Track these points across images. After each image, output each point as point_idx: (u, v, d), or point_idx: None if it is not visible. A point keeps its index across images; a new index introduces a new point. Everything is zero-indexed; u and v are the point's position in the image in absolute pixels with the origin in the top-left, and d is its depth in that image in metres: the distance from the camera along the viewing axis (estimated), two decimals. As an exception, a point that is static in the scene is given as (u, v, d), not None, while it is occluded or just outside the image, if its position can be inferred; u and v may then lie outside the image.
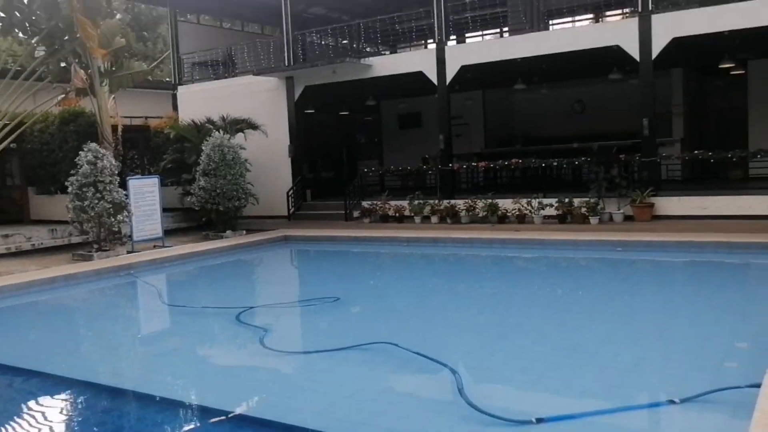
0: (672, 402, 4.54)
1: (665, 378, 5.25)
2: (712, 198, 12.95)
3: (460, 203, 14.82)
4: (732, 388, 4.61)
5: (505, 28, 17.65)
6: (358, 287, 10.04)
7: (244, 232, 15.20)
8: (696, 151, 14.25)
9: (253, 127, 16.97)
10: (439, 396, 5.08)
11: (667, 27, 12.89)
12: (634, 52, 13.31)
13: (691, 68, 18.05)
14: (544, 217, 13.73)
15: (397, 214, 15.58)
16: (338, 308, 8.18)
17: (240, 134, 16.95)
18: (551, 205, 13.65)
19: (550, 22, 16.62)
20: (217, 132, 15.30)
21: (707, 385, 4.63)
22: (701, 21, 12.63)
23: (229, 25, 23.64)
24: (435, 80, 15.73)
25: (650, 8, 13.23)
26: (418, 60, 16.34)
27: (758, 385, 4.26)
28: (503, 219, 14.11)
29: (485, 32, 18.66)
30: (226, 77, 19.75)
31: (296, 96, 17.94)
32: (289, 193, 17.85)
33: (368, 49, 20.35)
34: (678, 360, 5.71)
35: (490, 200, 14.39)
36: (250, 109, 17.53)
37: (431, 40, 17.45)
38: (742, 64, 16.63)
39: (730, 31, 12.57)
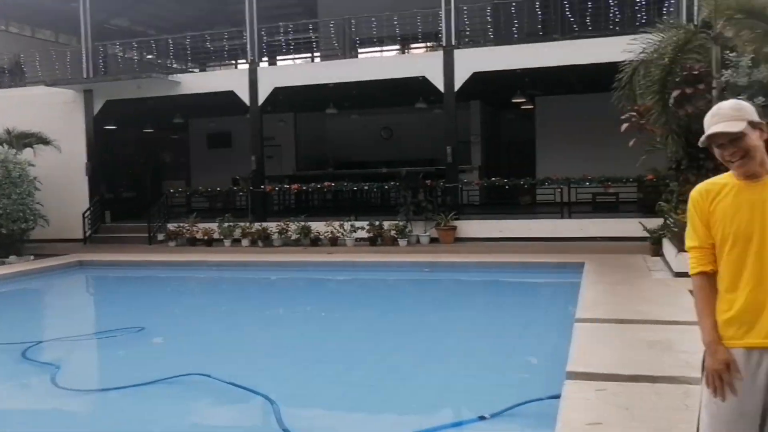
0: (483, 418, 4.73)
1: (476, 394, 5.48)
2: (506, 221, 13.99)
3: (272, 226, 14.62)
4: (536, 400, 4.90)
5: (317, 54, 17.87)
6: (165, 315, 9.44)
7: (32, 257, 13.74)
8: (493, 178, 15.36)
9: (44, 141, 15.46)
10: (257, 427, 4.86)
11: (468, 62, 13.81)
12: (438, 83, 14.09)
13: (488, 101, 19.51)
14: (356, 239, 13.97)
15: (205, 237, 14.99)
16: (143, 338, 7.61)
17: (29, 149, 15.35)
18: (363, 228, 13.93)
19: (360, 50, 17.11)
20: (0, 146, 13.73)
21: (513, 399, 4.89)
22: (497, 59, 13.70)
23: (17, 30, 21.48)
24: (247, 100, 15.46)
25: (453, 43, 14.10)
26: (230, 79, 15.98)
27: (558, 396, 4.57)
28: (316, 242, 14.14)
29: (297, 56, 18.76)
30: (12, 86, 17.88)
31: (96, 110, 16.68)
32: (86, 215, 16.47)
33: (176, 66, 19.55)
34: (486, 376, 6.00)
35: (302, 223, 14.35)
36: (42, 122, 15.98)
37: (243, 60, 17.18)
38: (531, 99, 18.29)
39: (522, 70, 13.77)
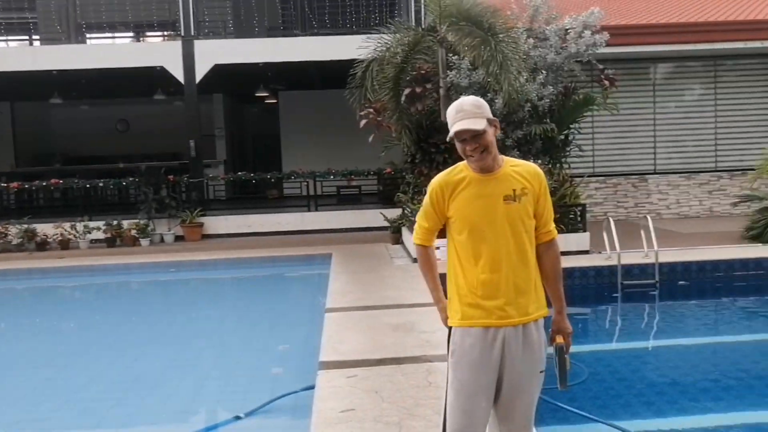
0: (238, 417, 4.63)
1: (230, 395, 5.35)
2: (254, 216, 13.89)
3: (-12, 230, 12.83)
4: (290, 393, 4.92)
5: (36, 37, 16.03)
6: None
7: None
8: (239, 173, 15.14)
9: None
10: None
11: (209, 53, 13.40)
12: (178, 74, 13.47)
13: (232, 94, 19.17)
14: (92, 241, 12.85)
15: None
16: None
17: None
18: (99, 229, 12.84)
19: (88, 35, 15.70)
20: None
21: (268, 395, 4.86)
22: (239, 52, 13.48)
23: None
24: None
25: (192, 34, 13.59)
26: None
27: (312, 387, 4.63)
28: (43, 246, 12.71)
29: (11, 38, 16.64)
30: None
31: None
32: None
33: None
34: (240, 375, 5.89)
35: (26, 225, 12.81)
36: None
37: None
38: (275, 93, 18.37)
39: (264, 64, 13.74)
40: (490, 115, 2.62)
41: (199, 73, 13.39)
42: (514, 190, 2.60)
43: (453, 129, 2.57)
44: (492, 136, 2.58)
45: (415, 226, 2.86)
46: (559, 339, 2.79)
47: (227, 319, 8.38)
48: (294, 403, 4.79)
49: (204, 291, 10.62)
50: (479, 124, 2.53)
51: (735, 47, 12.93)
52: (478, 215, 2.60)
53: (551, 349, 2.77)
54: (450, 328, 2.70)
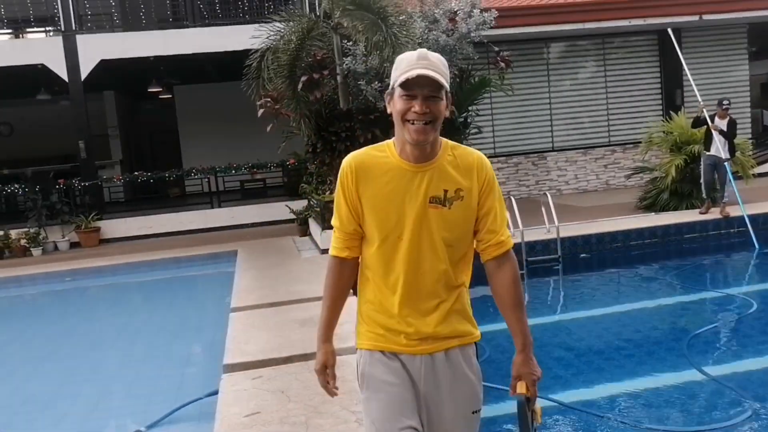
0: (139, 432, 4.38)
1: (132, 407, 5.07)
2: (155, 217, 13.36)
3: None
4: (194, 401, 4.71)
5: None
6: None
7: None
8: (136, 172, 14.50)
9: None
10: None
11: (95, 49, 12.70)
12: (62, 72, 12.72)
13: (123, 91, 18.31)
14: (-23, 255, 11.98)
15: None
16: None
17: None
18: (-16, 241, 11.99)
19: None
20: None
21: (171, 405, 4.63)
22: (127, 46, 12.84)
23: None
24: None
25: (74, 28, 12.84)
26: None
27: (216, 393, 4.44)
28: None
29: None
30: None
31: None
32: None
33: None
34: (142, 385, 5.60)
35: None
36: None
37: None
38: (170, 88, 17.67)
39: (155, 57, 13.15)
40: (447, 86, 2.00)
41: (85, 70, 12.68)
42: (446, 192, 2.02)
43: (408, 74, 1.93)
44: (444, 110, 1.99)
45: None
46: (521, 388, 2.12)
47: (128, 326, 7.98)
48: (198, 411, 4.58)
49: (103, 299, 10.10)
50: (443, 80, 1.95)
51: (620, 25, 13.42)
52: (393, 217, 2.03)
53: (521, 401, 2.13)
54: (358, 353, 2.18)
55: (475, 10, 10.06)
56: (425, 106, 1.93)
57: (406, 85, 1.93)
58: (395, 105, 1.98)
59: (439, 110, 1.95)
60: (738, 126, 10.19)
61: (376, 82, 9.23)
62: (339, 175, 2.10)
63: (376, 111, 9.30)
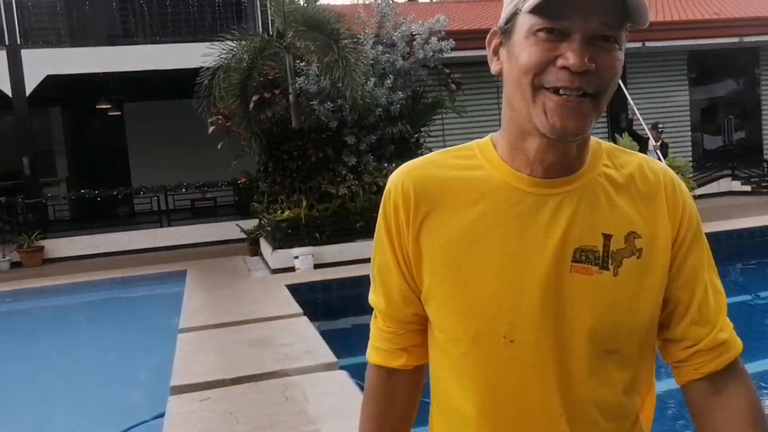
0: (81, 458, 4.26)
1: (76, 431, 4.93)
2: (102, 236, 13.07)
3: None
4: (140, 423, 4.61)
5: None
6: None
7: None
8: (83, 190, 14.17)
9: None
10: None
11: (41, 64, 12.44)
12: (5, 87, 12.40)
13: (71, 107, 17.94)
14: None
15: None
16: None
17: None
18: None
19: None
20: None
21: (118, 427, 4.52)
22: (75, 61, 12.61)
23: None
24: None
25: (20, 43, 12.55)
26: None
27: (162, 415, 4.35)
28: None
29: None
30: None
31: None
32: None
33: None
34: (88, 408, 5.45)
35: None
36: None
37: None
38: (119, 105, 17.39)
39: (104, 74, 12.95)
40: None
41: (30, 85, 12.40)
42: (607, 239, 1.02)
43: None
44: (618, 73, 0.97)
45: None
46: None
47: (72, 349, 7.76)
48: (145, 434, 4.48)
49: (45, 321, 9.79)
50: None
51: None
52: (494, 291, 1.02)
53: None
54: None
55: (433, 38, 10.25)
56: (589, 55, 0.92)
57: (548, 6, 0.92)
58: (516, 55, 0.97)
59: (614, 68, 0.95)
60: (679, 149, 10.60)
61: (329, 103, 9.28)
62: (381, 207, 1.12)
63: (328, 130, 9.35)
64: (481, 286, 1.02)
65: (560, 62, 0.93)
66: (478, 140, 1.12)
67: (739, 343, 1.09)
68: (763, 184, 14.46)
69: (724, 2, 17.72)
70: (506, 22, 1.01)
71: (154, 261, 11.65)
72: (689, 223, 1.06)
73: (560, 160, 1.02)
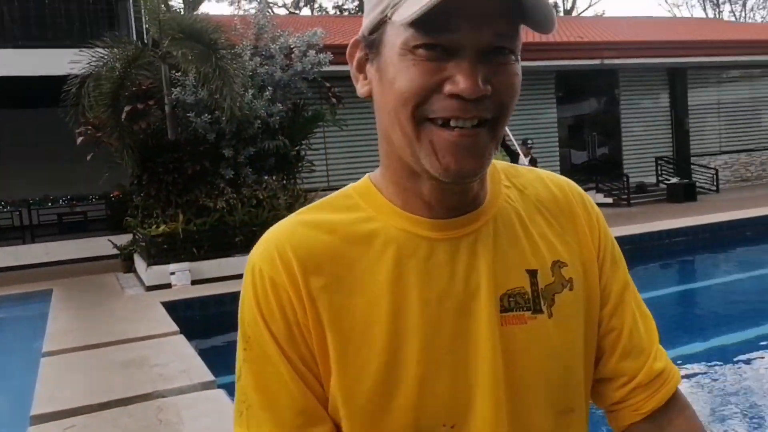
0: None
1: None
2: (-44, 254, 12.06)
3: None
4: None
5: None
6: None
7: None
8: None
9: None
10: None
11: None
12: None
13: None
14: None
15: None
16: None
17: None
18: None
19: None
20: None
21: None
22: None
23: None
24: None
25: None
26: None
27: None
28: None
29: None
30: None
31: None
32: None
33: None
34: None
35: None
36: None
37: None
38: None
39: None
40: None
41: None
42: (533, 275, 0.86)
43: None
44: (518, 84, 0.79)
45: None
46: None
47: None
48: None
49: None
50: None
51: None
52: (429, 388, 0.81)
53: None
54: None
55: (311, 51, 10.27)
56: (483, 75, 0.74)
57: (428, 17, 0.70)
58: (389, 78, 0.78)
59: (513, 87, 0.78)
60: (548, 164, 11.26)
61: (206, 114, 9.07)
62: (249, 301, 0.83)
63: (205, 142, 9.13)
64: (407, 375, 0.80)
65: (448, 88, 0.73)
66: (353, 185, 0.90)
67: (676, 372, 0.94)
68: (623, 197, 15.53)
69: (587, 26, 19.00)
70: (371, 31, 0.80)
71: (17, 280, 10.87)
72: (606, 239, 0.93)
73: (462, 198, 0.84)
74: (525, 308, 0.84)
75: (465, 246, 0.83)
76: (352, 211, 0.85)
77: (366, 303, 0.81)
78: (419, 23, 0.71)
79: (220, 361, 5.50)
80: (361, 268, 0.82)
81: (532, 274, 0.85)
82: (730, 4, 38.36)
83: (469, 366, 0.81)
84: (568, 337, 0.86)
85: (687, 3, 44.51)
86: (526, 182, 0.92)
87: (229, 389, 4.53)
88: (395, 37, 0.76)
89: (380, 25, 0.78)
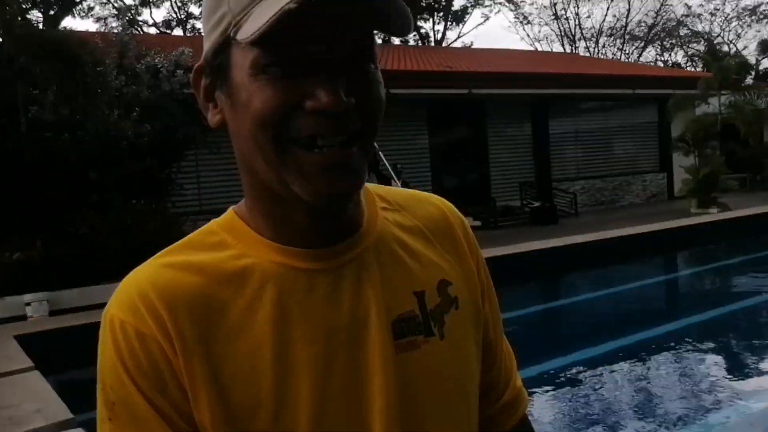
0: None
1: None
2: None
3: None
4: None
5: None
6: None
7: None
8: None
9: None
10: None
11: None
12: None
13: None
14: None
15: None
16: None
17: None
18: None
19: None
20: None
21: None
22: None
23: None
24: None
25: None
26: None
27: None
28: None
29: None
30: None
31: None
32: None
33: None
34: None
35: None
36: None
37: None
38: None
39: None
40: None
41: None
42: (420, 297, 0.83)
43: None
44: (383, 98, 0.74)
45: None
46: None
47: None
48: None
49: None
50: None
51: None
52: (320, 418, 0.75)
53: None
54: None
55: (178, 71, 10.00)
56: (345, 87, 0.69)
57: (275, 34, 0.65)
58: (243, 102, 0.71)
59: (378, 95, 0.73)
60: (421, 188, 11.64)
61: (67, 134, 8.60)
62: (113, 361, 0.74)
63: (67, 164, 8.64)
64: (300, 420, 0.73)
65: (309, 104, 0.68)
66: (216, 220, 0.82)
67: (525, 392, 0.99)
68: (491, 220, 16.23)
69: (456, 57, 19.87)
70: (215, 55, 0.74)
71: None
72: (480, 256, 0.93)
73: (338, 223, 0.79)
74: (417, 332, 0.80)
75: (348, 274, 0.78)
76: (220, 249, 0.78)
77: (248, 348, 0.73)
78: (266, 40, 0.65)
79: (82, 396, 5.17)
80: (237, 310, 0.74)
81: (420, 295, 0.82)
82: (585, 41, 41.41)
83: (362, 402, 0.75)
84: (462, 358, 0.84)
85: (547, 38, 47.53)
86: (403, 202, 0.90)
87: (90, 426, 4.27)
88: (243, 58, 0.70)
89: (224, 47, 0.72)
